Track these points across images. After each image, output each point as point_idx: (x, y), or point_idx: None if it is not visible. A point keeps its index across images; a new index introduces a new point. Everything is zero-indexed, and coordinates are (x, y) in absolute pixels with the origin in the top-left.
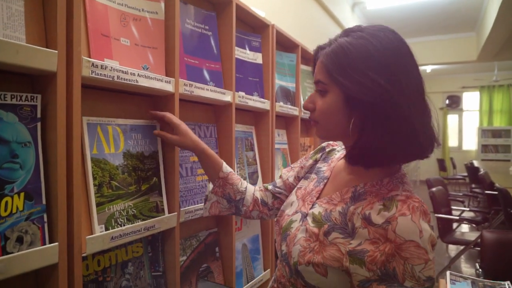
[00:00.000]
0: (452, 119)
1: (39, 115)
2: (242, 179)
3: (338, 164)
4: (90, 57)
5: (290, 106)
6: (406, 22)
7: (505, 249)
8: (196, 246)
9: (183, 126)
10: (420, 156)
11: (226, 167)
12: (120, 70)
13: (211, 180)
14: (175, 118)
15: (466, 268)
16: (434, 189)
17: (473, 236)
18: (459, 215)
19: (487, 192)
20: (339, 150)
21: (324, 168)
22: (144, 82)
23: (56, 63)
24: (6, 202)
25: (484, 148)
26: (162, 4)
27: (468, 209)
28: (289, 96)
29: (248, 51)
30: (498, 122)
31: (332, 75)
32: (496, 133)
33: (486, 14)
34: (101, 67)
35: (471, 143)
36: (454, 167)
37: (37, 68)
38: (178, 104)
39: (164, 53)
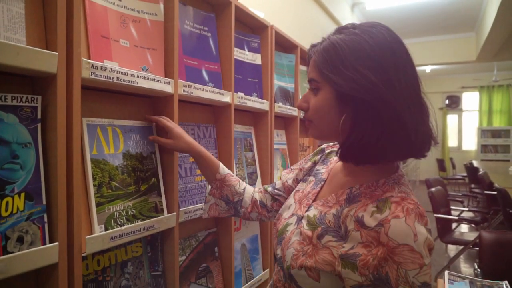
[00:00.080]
0: (451, 119)
1: (39, 116)
2: (240, 180)
3: (336, 166)
4: (90, 59)
5: (289, 107)
6: (406, 22)
7: (503, 249)
8: (195, 246)
9: (177, 129)
10: (415, 155)
11: (223, 168)
12: (119, 72)
13: (209, 182)
14: (168, 122)
15: (465, 268)
16: (433, 189)
17: (472, 236)
18: (458, 215)
19: (486, 192)
20: None
21: (323, 170)
22: (143, 83)
23: (56, 65)
24: (7, 202)
25: (483, 148)
26: (161, 6)
27: (467, 209)
28: (288, 97)
29: (247, 52)
30: (498, 122)
31: (323, 72)
32: (496, 133)
33: (486, 14)
34: (101, 68)
35: (470, 143)
36: (454, 167)
37: (38, 69)
38: (177, 105)
39: (164, 54)
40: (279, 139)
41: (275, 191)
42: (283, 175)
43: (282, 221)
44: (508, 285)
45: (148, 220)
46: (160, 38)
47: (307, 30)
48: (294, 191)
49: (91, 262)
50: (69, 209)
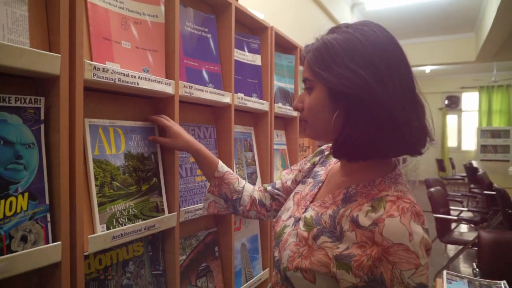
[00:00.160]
0: (451, 119)
1: (42, 117)
2: (240, 178)
3: (334, 167)
4: (92, 60)
5: (288, 107)
6: (406, 23)
7: (502, 249)
8: (196, 246)
9: (175, 127)
10: (410, 152)
11: (222, 166)
12: (121, 73)
13: (208, 180)
14: (166, 121)
15: (465, 268)
16: (432, 189)
17: (471, 236)
18: (458, 215)
19: (485, 192)
20: None
21: (321, 172)
22: (144, 85)
23: (59, 67)
24: (11, 202)
25: (483, 148)
26: (162, 8)
27: (466, 209)
28: (288, 97)
29: (247, 53)
30: (497, 123)
31: (315, 71)
32: (495, 134)
33: (485, 14)
34: (103, 70)
35: (470, 143)
36: (453, 167)
37: (41, 71)
38: (178, 106)
39: (164, 56)
40: (278, 139)
41: (275, 190)
42: (283, 175)
43: (280, 223)
44: (506, 284)
45: (149, 220)
46: (161, 39)
47: (306, 30)
48: (293, 193)
49: (93, 261)
50: (71, 208)
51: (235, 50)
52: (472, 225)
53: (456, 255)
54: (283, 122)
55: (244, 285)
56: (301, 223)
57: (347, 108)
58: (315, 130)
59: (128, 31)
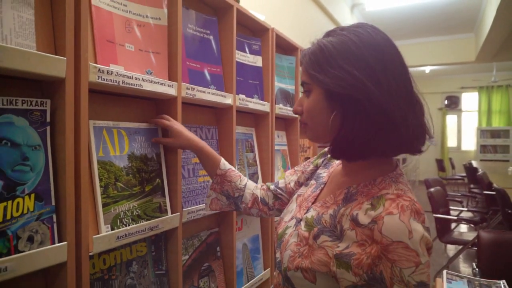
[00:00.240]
0: (451, 119)
1: (48, 120)
2: (242, 176)
3: (336, 168)
4: (96, 63)
5: (289, 108)
6: (405, 23)
7: (501, 249)
8: (198, 246)
9: (176, 127)
10: (409, 150)
11: (224, 164)
12: (125, 75)
13: (210, 177)
14: (167, 121)
15: (464, 268)
16: (432, 189)
17: (471, 236)
18: (457, 215)
19: (485, 192)
20: None
21: (324, 174)
22: (148, 87)
23: (65, 70)
24: (18, 203)
25: (482, 148)
26: (165, 10)
27: (466, 209)
28: (289, 98)
29: (248, 54)
30: (497, 123)
31: (312, 74)
32: (495, 134)
33: (485, 15)
34: (107, 72)
35: (470, 143)
36: (453, 167)
37: (47, 74)
38: (180, 107)
39: (167, 58)
40: (279, 140)
41: (278, 190)
42: (286, 176)
43: (282, 224)
44: (505, 284)
45: (153, 220)
46: (164, 41)
47: (307, 31)
48: (295, 195)
49: (98, 261)
50: (77, 209)
51: (237, 51)
52: (472, 225)
53: (456, 255)
54: (284, 123)
55: (246, 285)
56: (302, 224)
57: (344, 109)
58: (315, 132)
59: (132, 34)
